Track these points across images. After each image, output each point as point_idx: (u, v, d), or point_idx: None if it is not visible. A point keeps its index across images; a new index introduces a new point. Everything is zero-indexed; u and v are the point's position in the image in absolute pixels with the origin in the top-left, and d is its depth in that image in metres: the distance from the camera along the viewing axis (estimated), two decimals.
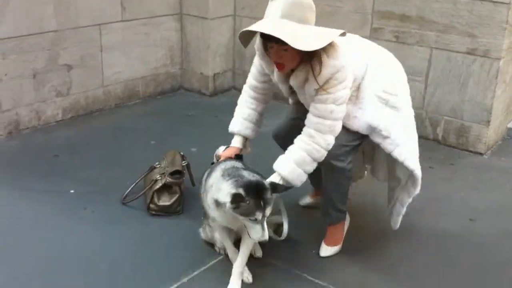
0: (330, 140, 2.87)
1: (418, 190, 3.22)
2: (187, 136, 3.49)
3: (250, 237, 2.68)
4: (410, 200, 3.27)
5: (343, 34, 2.76)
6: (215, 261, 3.10)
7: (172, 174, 3.58)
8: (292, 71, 2.90)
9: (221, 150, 3.21)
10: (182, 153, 3.79)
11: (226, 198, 2.60)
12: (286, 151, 2.94)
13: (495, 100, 4.60)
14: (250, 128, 3.23)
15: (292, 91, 3.08)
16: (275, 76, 3.02)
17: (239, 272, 2.90)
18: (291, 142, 2.95)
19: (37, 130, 4.81)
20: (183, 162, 3.72)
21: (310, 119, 2.89)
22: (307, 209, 3.69)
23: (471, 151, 4.77)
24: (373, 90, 2.99)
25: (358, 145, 3.13)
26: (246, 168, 2.84)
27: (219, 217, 2.80)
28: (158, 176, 3.61)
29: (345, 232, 3.33)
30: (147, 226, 3.41)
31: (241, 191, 2.56)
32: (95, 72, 5.22)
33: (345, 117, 2.92)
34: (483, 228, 3.63)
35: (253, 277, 2.98)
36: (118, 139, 4.75)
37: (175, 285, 2.92)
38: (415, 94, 4.88)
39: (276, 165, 2.92)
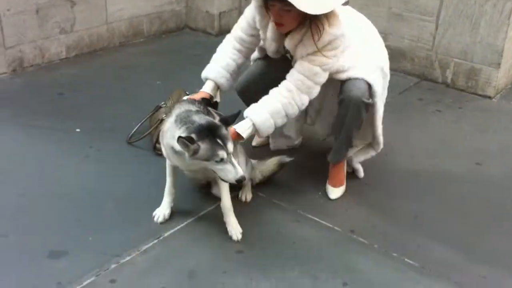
0: (305, 101, 2.90)
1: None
2: (192, 76, 3.43)
3: (225, 181, 2.62)
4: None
5: (346, 3, 2.75)
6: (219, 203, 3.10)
7: None
8: (288, 31, 2.85)
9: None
10: (188, 93, 3.75)
11: (180, 145, 2.52)
12: (260, 101, 2.89)
13: (507, 42, 4.51)
14: (226, 77, 3.14)
15: (277, 50, 3.03)
16: (269, 32, 2.96)
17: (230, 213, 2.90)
18: (257, 98, 2.93)
19: (41, 68, 4.75)
20: None
21: (293, 74, 2.86)
22: (306, 154, 3.68)
23: (480, 95, 4.71)
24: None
25: None
26: (200, 111, 2.67)
27: (181, 165, 2.76)
28: (164, 115, 3.56)
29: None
30: (152, 166, 3.41)
31: (193, 136, 2.49)
32: (99, 8, 5.11)
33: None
34: (490, 171, 3.63)
35: (260, 218, 3.01)
36: (123, 78, 4.71)
37: (181, 225, 2.96)
38: (425, 35, 4.81)
39: (249, 112, 2.87)
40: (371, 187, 3.38)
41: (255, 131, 2.88)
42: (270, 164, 3.29)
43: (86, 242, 2.79)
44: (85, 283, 2.53)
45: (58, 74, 4.67)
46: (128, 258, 2.70)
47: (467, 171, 3.63)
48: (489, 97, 4.68)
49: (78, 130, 3.81)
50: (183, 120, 2.60)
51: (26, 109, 4.05)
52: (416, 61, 4.98)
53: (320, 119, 3.51)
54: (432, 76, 4.93)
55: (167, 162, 2.90)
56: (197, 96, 3.08)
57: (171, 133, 2.62)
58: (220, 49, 3.21)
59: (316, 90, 2.90)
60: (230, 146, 2.54)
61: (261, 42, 3.11)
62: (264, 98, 2.89)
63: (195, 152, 2.51)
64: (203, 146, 2.50)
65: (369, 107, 3.08)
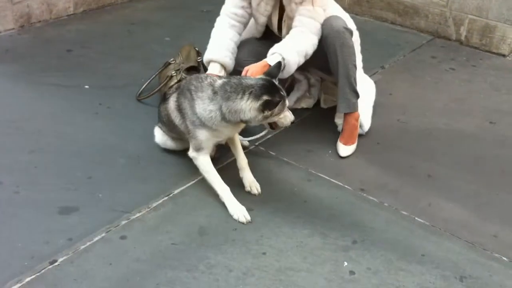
0: (316, 42, 3.10)
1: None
2: (202, 32, 3.38)
3: (281, 126, 2.77)
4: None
5: None
6: (230, 159, 3.09)
7: (188, 70, 3.51)
8: None
9: None
10: (197, 49, 3.70)
11: (253, 113, 2.58)
12: (287, 40, 3.02)
13: None
14: (229, 57, 3.14)
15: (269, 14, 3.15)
16: None
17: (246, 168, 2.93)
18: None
19: (49, 24, 4.70)
20: (198, 58, 3.63)
21: (301, 20, 3.04)
22: (318, 114, 3.64)
23: (494, 53, 4.63)
24: None
25: None
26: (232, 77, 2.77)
27: (221, 136, 2.78)
28: (173, 72, 3.54)
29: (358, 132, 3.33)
30: None
31: (266, 97, 2.56)
32: None
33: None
34: (503, 130, 3.59)
35: (271, 177, 3.00)
36: (131, 34, 4.65)
37: (191, 182, 2.95)
38: None
39: (280, 50, 2.96)
40: (383, 146, 3.35)
41: (283, 68, 2.95)
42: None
43: (96, 198, 2.80)
44: (95, 239, 2.55)
45: (66, 30, 4.61)
46: (138, 214, 2.71)
47: (480, 129, 3.59)
48: (504, 55, 4.59)
49: (87, 86, 3.79)
50: (234, 88, 2.61)
51: (35, 65, 4.01)
52: (430, 18, 4.88)
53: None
54: (446, 33, 4.83)
55: (202, 157, 2.80)
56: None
57: (227, 107, 2.61)
58: (217, 29, 3.21)
59: (320, 30, 3.08)
60: (285, 94, 2.71)
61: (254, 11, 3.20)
62: (290, 38, 3.03)
63: (271, 113, 2.61)
64: (281, 103, 2.61)
65: (352, 35, 3.20)
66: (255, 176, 2.90)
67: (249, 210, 2.77)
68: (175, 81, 3.48)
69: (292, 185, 2.99)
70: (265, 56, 3.01)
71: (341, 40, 3.09)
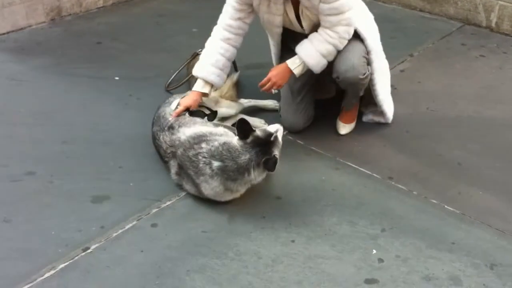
0: (351, 31, 2.96)
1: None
2: None
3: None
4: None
5: None
6: None
7: None
8: None
9: (174, 106, 3.02)
10: None
11: (260, 176, 2.68)
12: (311, 38, 2.96)
13: None
14: (216, 74, 3.06)
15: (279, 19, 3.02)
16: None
17: None
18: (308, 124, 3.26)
19: (79, 17, 4.77)
20: None
21: (329, 20, 2.88)
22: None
23: None
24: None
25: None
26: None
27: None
28: None
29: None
30: None
31: (266, 157, 2.60)
32: None
33: None
34: None
35: (299, 166, 3.02)
36: (160, 25, 4.69)
37: None
38: None
39: (304, 55, 2.95)
40: (412, 135, 3.33)
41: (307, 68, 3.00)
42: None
43: (128, 187, 2.85)
44: (127, 227, 2.60)
45: (95, 23, 4.68)
46: (168, 203, 2.75)
47: (511, 117, 3.53)
48: None
49: (117, 78, 3.84)
50: (238, 168, 2.62)
51: (66, 57, 4.09)
52: (460, 5, 4.81)
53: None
54: (476, 20, 4.76)
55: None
56: (189, 99, 3.03)
57: (240, 182, 2.66)
58: (208, 43, 3.13)
59: (353, 14, 2.92)
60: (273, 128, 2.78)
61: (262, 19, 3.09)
62: (314, 38, 2.95)
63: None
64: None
65: (368, 76, 3.12)
66: (282, 165, 2.89)
67: (277, 198, 2.79)
68: None
69: (320, 174, 3.00)
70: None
71: (354, 88, 3.14)
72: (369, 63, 3.09)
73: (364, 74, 3.05)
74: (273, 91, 3.08)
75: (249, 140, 2.63)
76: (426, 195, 2.85)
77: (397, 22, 4.84)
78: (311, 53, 2.95)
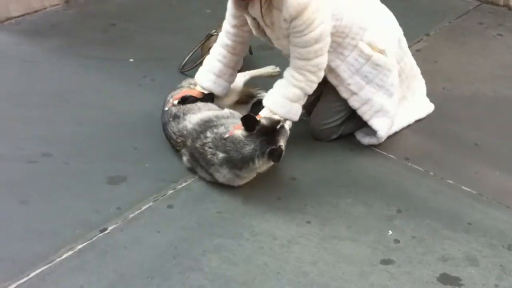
0: (321, 75, 2.76)
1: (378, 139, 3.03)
2: None
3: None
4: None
5: None
6: None
7: None
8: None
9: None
10: None
11: (265, 165, 2.63)
12: (278, 86, 2.80)
13: None
14: (212, 81, 3.02)
15: (260, 30, 2.84)
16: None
17: None
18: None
19: None
20: None
21: (295, 63, 2.72)
22: None
23: None
24: (358, 39, 2.79)
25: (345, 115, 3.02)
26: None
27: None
28: (215, 43, 3.55)
29: None
30: None
31: (271, 147, 2.56)
32: None
33: None
34: None
35: (314, 146, 3.00)
36: (173, 7, 4.67)
37: None
38: None
39: (270, 105, 2.79)
40: (428, 115, 3.29)
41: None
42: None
43: (144, 168, 2.86)
44: (143, 208, 2.61)
45: (109, 5, 4.66)
46: (184, 184, 2.76)
47: None
48: None
49: (131, 60, 3.84)
50: (242, 158, 2.59)
51: (80, 39, 4.08)
52: None
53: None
54: None
55: None
56: (191, 91, 3.04)
57: (246, 169, 2.62)
58: (211, 50, 3.09)
59: (325, 59, 2.72)
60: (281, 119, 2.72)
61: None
62: (281, 84, 2.79)
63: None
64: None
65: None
66: (296, 146, 2.88)
67: (292, 179, 2.79)
68: None
69: (335, 155, 2.99)
70: None
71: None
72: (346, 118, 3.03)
73: (330, 138, 3.06)
74: None
75: (254, 130, 2.60)
76: (442, 176, 2.83)
77: (412, 1, 4.78)
78: (278, 101, 2.78)
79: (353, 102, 2.93)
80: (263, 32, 2.84)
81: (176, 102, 2.97)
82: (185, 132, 2.79)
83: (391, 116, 2.96)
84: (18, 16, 4.36)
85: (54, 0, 4.54)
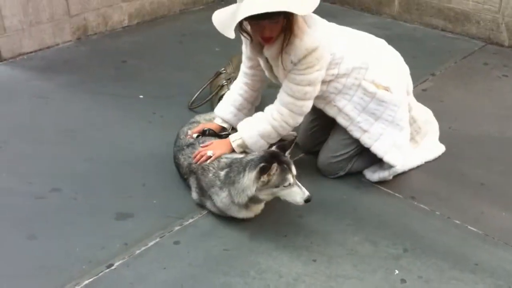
0: (299, 120, 2.86)
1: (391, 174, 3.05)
2: None
3: (295, 204, 2.60)
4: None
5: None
6: None
7: None
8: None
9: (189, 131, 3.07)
10: None
11: (252, 185, 2.55)
12: (255, 117, 2.89)
13: None
14: (233, 113, 3.10)
15: (272, 72, 2.91)
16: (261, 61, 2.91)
17: None
18: (318, 148, 3.13)
19: (105, 36, 4.86)
20: None
21: (282, 97, 2.80)
22: None
23: None
24: (360, 78, 2.87)
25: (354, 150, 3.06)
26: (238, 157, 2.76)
27: (253, 207, 2.72)
28: (224, 81, 3.62)
29: None
30: None
31: (263, 164, 2.50)
32: None
33: (326, 101, 2.91)
34: None
35: (321, 185, 3.02)
36: (183, 44, 4.76)
37: None
38: None
39: (241, 130, 2.87)
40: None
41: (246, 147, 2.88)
42: None
43: (151, 205, 2.88)
44: (150, 244, 2.62)
45: (121, 42, 4.76)
46: (191, 220, 2.77)
47: None
48: None
49: (141, 96, 3.90)
50: (236, 170, 2.63)
51: (91, 76, 4.16)
52: (482, 24, 4.81)
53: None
54: (498, 40, 4.75)
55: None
56: (209, 125, 3.10)
57: (237, 188, 2.61)
58: (232, 86, 3.20)
59: (309, 105, 2.83)
60: (294, 169, 2.58)
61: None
62: (258, 117, 2.88)
63: (268, 180, 2.54)
64: (278, 167, 2.53)
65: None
66: (303, 184, 2.89)
67: (298, 217, 2.81)
68: (226, 90, 3.54)
69: (341, 193, 3.00)
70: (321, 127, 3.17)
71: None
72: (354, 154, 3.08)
73: (337, 174, 3.09)
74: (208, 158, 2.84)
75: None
76: (449, 216, 2.84)
77: (419, 42, 4.85)
78: (249, 131, 2.86)
79: (366, 140, 2.96)
80: (273, 72, 2.91)
81: (195, 135, 3.01)
82: (193, 154, 2.85)
83: (405, 150, 3.00)
84: (31, 52, 4.46)
85: (66, 37, 4.64)
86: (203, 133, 3.02)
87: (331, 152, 3.06)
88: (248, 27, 2.73)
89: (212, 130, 3.06)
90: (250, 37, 2.78)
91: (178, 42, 4.81)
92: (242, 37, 2.87)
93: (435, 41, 4.87)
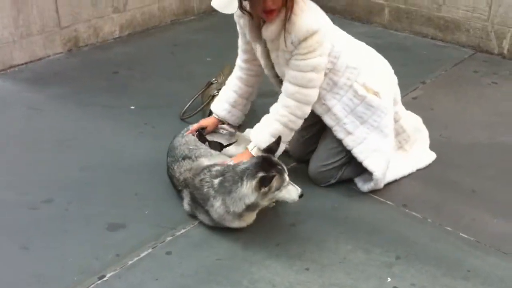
0: (307, 111, 2.84)
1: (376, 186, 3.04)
2: None
3: (290, 202, 2.65)
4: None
5: None
6: None
7: None
8: (264, 22, 2.78)
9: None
10: None
11: (252, 194, 2.55)
12: (263, 120, 2.89)
13: None
14: (226, 110, 3.16)
15: (269, 61, 2.93)
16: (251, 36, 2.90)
17: None
18: (309, 157, 3.12)
19: (96, 47, 4.86)
20: None
21: (287, 88, 2.80)
22: None
23: None
24: (352, 80, 2.89)
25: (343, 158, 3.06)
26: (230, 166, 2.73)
27: (246, 217, 2.72)
28: (215, 91, 3.62)
29: None
30: None
31: (262, 174, 2.53)
32: None
33: (317, 98, 2.87)
34: None
35: (312, 193, 3.01)
36: (175, 55, 4.77)
37: None
38: (481, 5, 4.69)
39: (254, 138, 2.87)
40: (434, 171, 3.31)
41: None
42: None
43: (143, 215, 2.88)
44: (142, 254, 2.61)
45: (112, 53, 4.77)
46: (183, 231, 2.77)
47: None
48: None
49: (132, 107, 3.90)
50: (232, 179, 2.61)
51: (82, 87, 4.16)
52: (471, 32, 4.85)
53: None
54: (488, 48, 4.79)
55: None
56: (207, 120, 3.18)
57: (232, 198, 2.59)
58: (227, 81, 3.25)
59: (315, 94, 2.82)
60: (285, 169, 2.62)
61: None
62: (266, 118, 2.89)
63: (270, 187, 2.55)
64: (278, 177, 2.56)
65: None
66: None
67: (291, 225, 2.81)
68: None
69: (332, 201, 3.01)
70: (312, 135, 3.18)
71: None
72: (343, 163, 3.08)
73: (328, 182, 3.09)
74: None
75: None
76: (440, 223, 2.85)
77: (409, 50, 4.89)
78: (261, 136, 2.84)
79: (349, 142, 2.97)
80: (269, 60, 2.92)
81: (195, 133, 3.07)
82: (189, 167, 2.84)
83: (387, 158, 3.00)
84: (22, 64, 4.46)
85: (57, 49, 4.65)
86: (199, 135, 3.08)
87: (321, 161, 3.07)
88: (248, 7, 2.73)
89: (213, 141, 3.12)
90: (250, 15, 2.79)
91: (169, 52, 4.82)
92: (238, 28, 2.97)
93: (425, 50, 4.91)
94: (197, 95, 3.77)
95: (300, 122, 2.88)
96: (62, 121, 3.73)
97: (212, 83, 3.74)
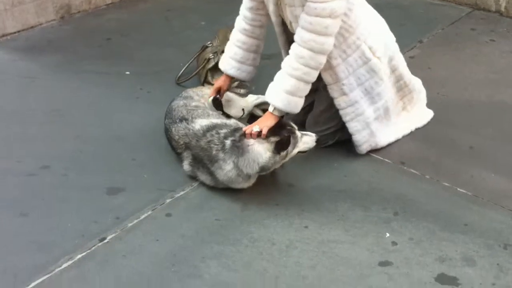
0: (322, 60, 2.66)
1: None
2: (236, 16, 3.39)
3: (309, 150, 2.76)
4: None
5: None
6: None
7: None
8: None
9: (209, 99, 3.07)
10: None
11: (270, 157, 2.61)
12: (276, 77, 2.72)
13: None
14: (236, 67, 3.05)
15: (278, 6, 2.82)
16: None
17: None
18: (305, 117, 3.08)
19: (89, 14, 4.79)
20: None
21: (301, 35, 2.60)
22: None
23: None
24: (362, 40, 2.82)
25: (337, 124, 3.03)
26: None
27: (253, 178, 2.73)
28: (211, 55, 3.59)
29: None
30: None
31: (274, 139, 2.60)
32: None
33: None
34: None
35: (311, 153, 3.01)
36: (168, 20, 4.71)
37: None
38: None
39: (270, 98, 2.71)
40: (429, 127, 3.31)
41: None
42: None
43: (142, 179, 2.88)
44: (142, 217, 2.63)
45: (105, 20, 4.71)
46: (182, 193, 2.78)
47: None
48: None
49: (127, 73, 3.87)
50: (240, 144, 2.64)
51: (76, 55, 4.12)
52: None
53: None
54: (485, 5, 4.74)
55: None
56: (219, 81, 3.12)
57: (246, 160, 2.62)
58: (231, 35, 3.10)
59: (331, 42, 2.64)
60: (293, 123, 2.72)
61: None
62: (279, 75, 2.71)
63: (286, 149, 2.63)
64: (292, 137, 2.63)
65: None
66: (296, 157, 2.89)
67: (290, 185, 2.82)
68: (213, 63, 3.54)
69: (332, 161, 3.01)
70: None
71: None
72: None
73: (326, 143, 3.07)
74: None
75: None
76: (438, 179, 2.86)
77: (406, 9, 4.83)
78: (277, 95, 2.68)
79: (341, 102, 2.93)
80: (278, 4, 2.80)
81: (211, 99, 3.05)
82: (190, 132, 2.82)
83: (368, 123, 2.97)
84: (14, 33, 4.40)
85: (49, 16, 4.58)
86: (215, 101, 3.05)
87: (316, 127, 3.05)
88: None
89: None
90: None
91: (163, 18, 4.76)
92: None
93: (422, 9, 4.85)
94: (192, 59, 3.73)
95: (315, 74, 2.68)
96: (57, 89, 3.70)
97: (207, 47, 3.70)
